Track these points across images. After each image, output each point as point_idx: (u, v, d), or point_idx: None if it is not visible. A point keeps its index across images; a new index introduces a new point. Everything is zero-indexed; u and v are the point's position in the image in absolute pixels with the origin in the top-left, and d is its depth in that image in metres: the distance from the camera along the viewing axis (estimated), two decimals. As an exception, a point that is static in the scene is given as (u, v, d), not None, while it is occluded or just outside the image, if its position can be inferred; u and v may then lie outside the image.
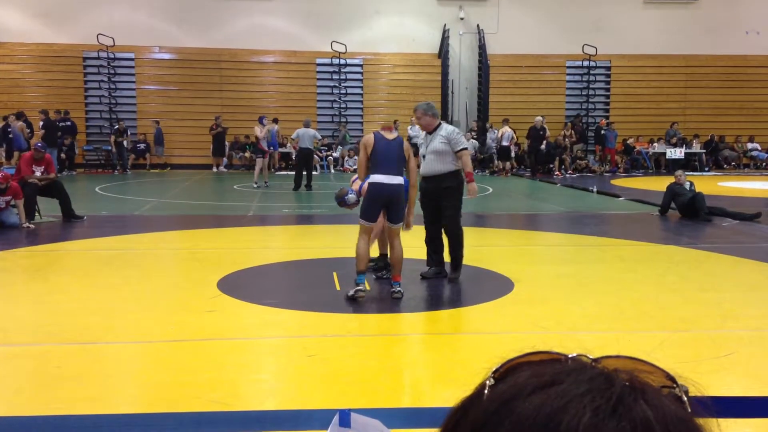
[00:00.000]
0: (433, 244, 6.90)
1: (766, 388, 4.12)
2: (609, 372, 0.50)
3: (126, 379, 4.38)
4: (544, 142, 20.58)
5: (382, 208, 6.13)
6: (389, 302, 6.08)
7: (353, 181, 6.78)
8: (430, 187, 6.74)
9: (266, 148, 16.72)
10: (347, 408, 1.38)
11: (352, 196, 6.46)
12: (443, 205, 6.69)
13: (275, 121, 20.68)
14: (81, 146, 21.55)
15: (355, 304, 5.90)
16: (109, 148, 21.31)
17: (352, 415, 1.35)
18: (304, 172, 15.67)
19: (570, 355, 0.54)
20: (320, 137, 15.87)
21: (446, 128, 6.75)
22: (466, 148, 6.74)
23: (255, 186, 16.39)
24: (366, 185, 6.19)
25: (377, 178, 6.04)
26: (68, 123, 20.37)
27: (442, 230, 6.83)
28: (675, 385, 0.51)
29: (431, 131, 6.71)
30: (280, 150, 21.12)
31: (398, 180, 6.09)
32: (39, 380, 4.21)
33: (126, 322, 5.35)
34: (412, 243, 7.12)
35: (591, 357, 0.53)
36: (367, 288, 6.40)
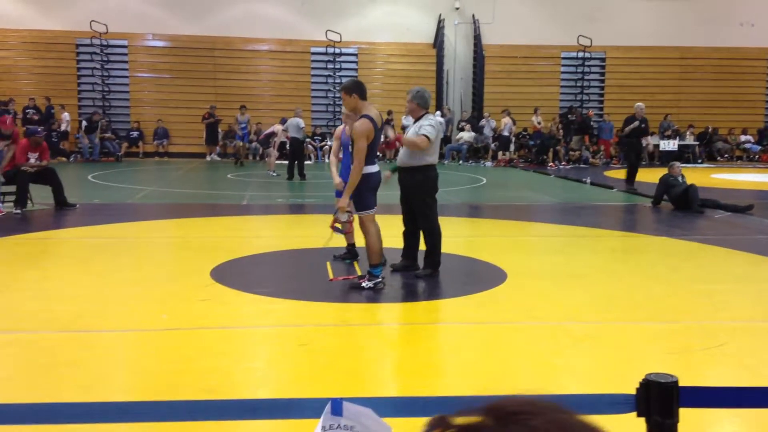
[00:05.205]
0: (407, 238, 6.76)
1: (756, 379, 4.15)
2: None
3: (119, 367, 4.38)
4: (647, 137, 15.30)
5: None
6: (382, 292, 6.09)
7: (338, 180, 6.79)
8: (402, 180, 6.61)
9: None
10: (339, 397, 1.39)
11: (343, 216, 6.12)
12: (413, 201, 6.53)
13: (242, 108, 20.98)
14: (73, 134, 21.42)
15: (345, 293, 5.90)
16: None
17: (345, 403, 1.35)
18: (296, 162, 15.66)
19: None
20: (302, 126, 15.90)
21: (425, 119, 6.44)
22: (425, 135, 6.27)
23: (274, 174, 16.49)
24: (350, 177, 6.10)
25: (372, 168, 6.03)
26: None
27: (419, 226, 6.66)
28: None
29: (415, 120, 6.57)
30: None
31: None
32: (31, 368, 4.20)
33: (119, 311, 5.34)
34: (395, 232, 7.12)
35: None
36: (359, 273, 6.45)
